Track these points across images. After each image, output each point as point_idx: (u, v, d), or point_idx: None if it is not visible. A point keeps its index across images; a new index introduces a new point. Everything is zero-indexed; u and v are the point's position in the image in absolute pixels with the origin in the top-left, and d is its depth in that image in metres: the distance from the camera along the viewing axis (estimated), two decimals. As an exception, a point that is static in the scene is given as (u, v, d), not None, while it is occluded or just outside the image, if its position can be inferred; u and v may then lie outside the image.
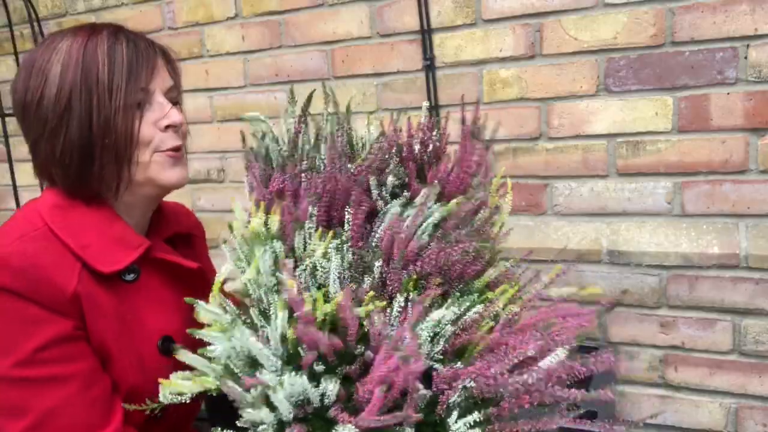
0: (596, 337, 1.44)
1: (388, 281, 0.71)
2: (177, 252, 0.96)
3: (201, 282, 0.91)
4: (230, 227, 0.79)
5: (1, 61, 2.08)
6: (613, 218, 1.41)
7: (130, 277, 0.87)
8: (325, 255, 0.72)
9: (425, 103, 0.95)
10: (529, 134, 1.45)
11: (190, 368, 0.75)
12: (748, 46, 1.25)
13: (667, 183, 1.35)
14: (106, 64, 0.84)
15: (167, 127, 0.89)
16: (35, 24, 1.93)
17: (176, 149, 0.90)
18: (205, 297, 0.86)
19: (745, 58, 1.25)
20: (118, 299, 0.85)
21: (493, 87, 1.46)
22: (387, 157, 0.86)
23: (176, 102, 0.94)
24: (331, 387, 0.63)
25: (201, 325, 0.73)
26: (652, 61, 1.32)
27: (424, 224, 0.74)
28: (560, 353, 0.64)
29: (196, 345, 0.91)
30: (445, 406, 0.65)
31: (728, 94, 1.28)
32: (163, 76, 0.90)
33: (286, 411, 0.63)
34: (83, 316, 0.81)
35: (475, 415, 0.63)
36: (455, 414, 0.64)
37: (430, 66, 1.51)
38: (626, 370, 1.43)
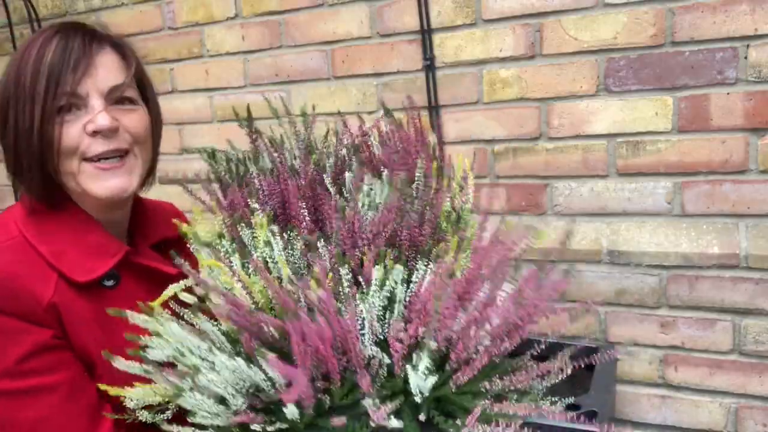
0: (597, 337, 1.44)
1: (334, 259, 0.71)
2: (163, 257, 0.92)
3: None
4: (185, 235, 0.80)
5: (1, 60, 2.08)
6: (613, 218, 1.41)
7: (109, 283, 0.85)
8: (267, 243, 0.74)
9: (381, 110, 0.95)
10: (529, 134, 1.45)
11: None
12: (748, 46, 1.25)
13: (667, 183, 1.35)
14: (30, 70, 0.80)
15: (95, 132, 0.82)
16: (35, 24, 1.93)
17: (106, 157, 0.84)
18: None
19: (745, 58, 1.25)
20: (100, 306, 0.82)
21: (493, 87, 1.46)
22: (342, 155, 0.87)
23: (125, 100, 0.86)
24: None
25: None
26: (652, 61, 1.32)
27: (367, 201, 0.77)
28: (507, 288, 0.65)
29: None
30: (400, 362, 0.65)
31: (728, 94, 1.28)
32: (102, 76, 0.84)
33: (234, 399, 0.64)
34: (63, 325, 0.80)
35: (426, 360, 0.62)
36: (410, 366, 0.63)
37: (430, 66, 1.51)
38: (626, 370, 1.43)
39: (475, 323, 0.65)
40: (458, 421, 0.63)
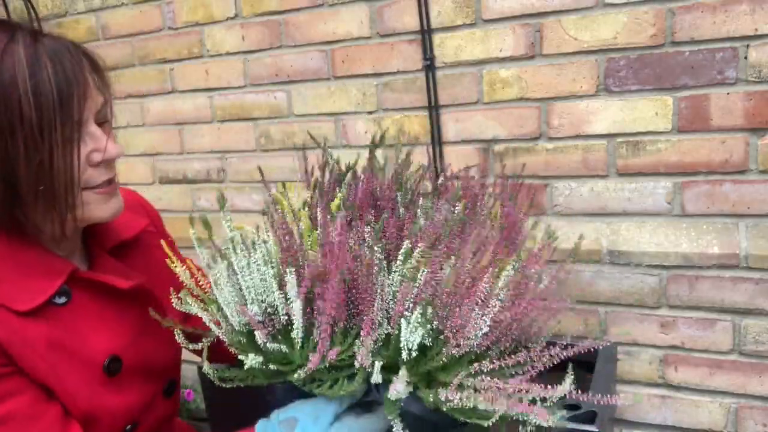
0: (596, 337, 1.44)
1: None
2: (120, 263, 0.89)
3: (143, 296, 0.87)
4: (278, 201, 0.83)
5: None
6: (613, 218, 1.41)
7: (61, 300, 0.80)
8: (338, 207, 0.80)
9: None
10: (529, 134, 1.45)
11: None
12: (748, 46, 1.25)
13: (667, 183, 1.35)
14: (30, 96, 0.68)
15: (100, 161, 0.77)
16: (35, 24, 1.93)
17: (108, 183, 0.80)
18: (148, 310, 0.86)
19: (745, 58, 1.25)
20: (50, 326, 0.78)
21: (493, 87, 1.46)
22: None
23: (105, 121, 0.80)
24: (298, 305, 0.68)
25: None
26: (652, 61, 1.32)
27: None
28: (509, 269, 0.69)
29: (147, 358, 0.89)
30: (396, 318, 0.68)
31: (728, 94, 1.28)
32: (95, 96, 0.76)
33: (252, 306, 0.70)
34: (10, 356, 0.75)
35: (418, 313, 0.64)
36: (404, 319, 0.66)
37: (430, 66, 1.51)
38: (626, 370, 1.43)
39: (475, 306, 0.66)
40: (440, 392, 0.64)
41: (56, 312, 0.79)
